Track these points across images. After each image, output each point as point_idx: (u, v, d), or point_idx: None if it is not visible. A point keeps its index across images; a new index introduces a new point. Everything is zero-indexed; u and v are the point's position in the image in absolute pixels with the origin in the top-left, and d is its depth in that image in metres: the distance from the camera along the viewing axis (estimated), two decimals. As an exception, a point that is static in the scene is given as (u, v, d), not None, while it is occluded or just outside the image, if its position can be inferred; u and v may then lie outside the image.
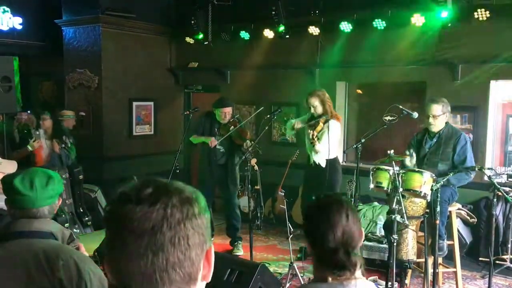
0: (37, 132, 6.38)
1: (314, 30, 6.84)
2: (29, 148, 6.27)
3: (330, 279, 1.71)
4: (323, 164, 5.35)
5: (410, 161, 4.64)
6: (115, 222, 0.92)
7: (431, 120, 4.66)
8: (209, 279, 0.98)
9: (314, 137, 5.14)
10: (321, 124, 5.32)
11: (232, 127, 5.84)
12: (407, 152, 4.66)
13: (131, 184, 0.95)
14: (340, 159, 6.43)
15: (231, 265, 3.38)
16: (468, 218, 5.76)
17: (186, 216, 0.91)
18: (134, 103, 8.30)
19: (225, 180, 6.07)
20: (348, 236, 1.73)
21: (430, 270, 4.49)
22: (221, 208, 7.00)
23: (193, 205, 0.94)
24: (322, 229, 1.72)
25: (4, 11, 8.14)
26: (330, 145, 5.24)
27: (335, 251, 1.69)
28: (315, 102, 5.35)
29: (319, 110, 5.36)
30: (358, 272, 1.73)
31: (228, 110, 5.97)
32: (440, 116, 4.64)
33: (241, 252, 6.22)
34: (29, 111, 7.74)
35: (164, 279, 0.90)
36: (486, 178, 4.52)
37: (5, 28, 8.17)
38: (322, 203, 1.85)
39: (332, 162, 5.40)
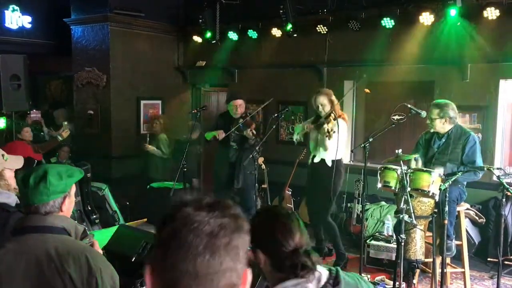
0: (65, 123, 6.64)
1: (322, 28, 6.81)
2: (59, 138, 6.51)
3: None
4: (330, 164, 5.29)
5: (416, 165, 4.61)
6: (174, 222, 0.96)
7: (428, 121, 4.70)
8: None
9: (330, 131, 5.01)
10: (332, 120, 5.24)
11: (241, 119, 5.87)
12: (413, 157, 4.62)
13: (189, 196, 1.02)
14: (347, 159, 6.41)
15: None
16: (477, 218, 5.73)
17: (239, 229, 0.99)
18: (142, 102, 8.33)
19: (234, 177, 6.02)
20: (304, 239, 1.81)
21: (438, 270, 4.47)
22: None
23: (244, 223, 1.01)
24: (279, 235, 1.78)
25: (14, 10, 8.20)
26: (338, 145, 5.15)
27: (295, 252, 1.74)
28: (324, 100, 5.29)
29: (328, 109, 5.29)
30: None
31: (239, 102, 6.01)
32: (435, 120, 4.62)
33: None
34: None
35: (215, 282, 0.94)
36: (495, 178, 4.50)
37: (14, 27, 8.23)
38: (273, 212, 1.97)
39: (336, 164, 5.28)
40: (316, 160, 5.38)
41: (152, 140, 7.62)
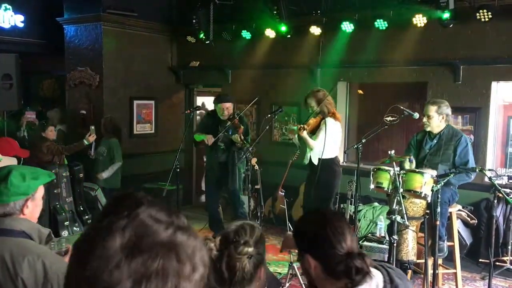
0: (92, 127, 6.67)
1: (315, 29, 6.83)
2: (85, 142, 6.54)
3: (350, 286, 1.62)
4: (315, 162, 5.30)
5: (410, 166, 4.62)
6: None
7: (425, 119, 4.71)
8: None
9: (300, 127, 5.04)
10: (312, 120, 5.26)
11: (229, 123, 5.83)
12: (408, 158, 4.63)
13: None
14: (341, 160, 6.42)
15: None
16: (469, 219, 5.76)
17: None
18: (135, 102, 8.29)
19: (226, 178, 6.05)
20: (355, 242, 1.71)
21: (430, 271, 4.48)
22: (227, 207, 7.01)
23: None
24: (331, 237, 1.66)
25: (6, 9, 8.15)
26: (325, 144, 5.12)
27: (349, 255, 1.62)
28: (312, 102, 5.33)
29: (315, 109, 5.32)
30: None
31: (227, 105, 5.95)
32: (434, 117, 4.65)
33: None
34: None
35: None
36: (486, 179, 4.52)
37: (6, 26, 8.18)
38: (322, 214, 1.84)
39: (327, 162, 5.26)
40: (307, 159, 5.41)
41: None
